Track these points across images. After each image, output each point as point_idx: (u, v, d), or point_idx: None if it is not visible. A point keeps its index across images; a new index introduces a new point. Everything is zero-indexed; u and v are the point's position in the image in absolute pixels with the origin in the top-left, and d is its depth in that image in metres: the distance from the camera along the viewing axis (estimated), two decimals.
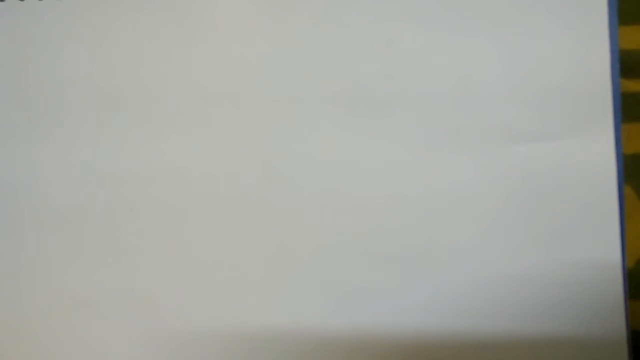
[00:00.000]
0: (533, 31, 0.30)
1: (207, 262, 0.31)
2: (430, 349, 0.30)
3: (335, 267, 0.31)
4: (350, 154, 0.31)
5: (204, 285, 0.31)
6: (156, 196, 0.31)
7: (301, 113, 0.31)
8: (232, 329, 0.31)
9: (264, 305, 0.31)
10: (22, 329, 0.31)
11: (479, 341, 0.30)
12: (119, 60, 0.31)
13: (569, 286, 0.30)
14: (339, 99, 0.31)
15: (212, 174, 0.31)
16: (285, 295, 0.31)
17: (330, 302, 0.30)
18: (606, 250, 0.30)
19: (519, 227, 0.30)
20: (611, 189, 0.30)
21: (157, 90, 0.31)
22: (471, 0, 0.30)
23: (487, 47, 0.30)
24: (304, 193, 0.31)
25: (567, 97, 0.30)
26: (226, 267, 0.31)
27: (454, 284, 0.30)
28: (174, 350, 0.31)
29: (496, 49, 0.30)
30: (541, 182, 0.30)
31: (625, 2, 0.30)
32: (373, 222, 0.30)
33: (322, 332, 0.30)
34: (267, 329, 0.31)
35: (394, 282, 0.30)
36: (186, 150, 0.31)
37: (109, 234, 0.31)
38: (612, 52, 0.30)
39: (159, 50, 0.31)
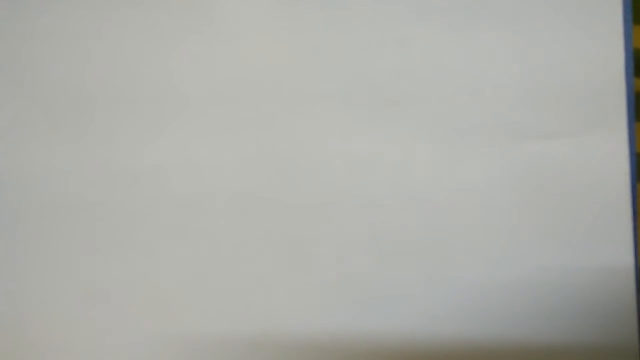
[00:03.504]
0: (547, 30, 0.30)
1: (218, 257, 0.31)
2: (438, 353, 0.30)
3: (346, 264, 0.30)
4: (363, 151, 0.31)
5: (215, 280, 0.31)
6: (168, 191, 0.31)
7: (312, 110, 0.31)
8: (241, 324, 0.31)
9: (275, 301, 0.31)
10: (33, 321, 0.31)
11: (486, 344, 0.30)
12: (132, 56, 0.31)
13: (580, 287, 0.30)
14: (350, 97, 0.31)
15: (224, 170, 0.31)
16: (296, 292, 0.31)
17: (341, 301, 0.30)
18: (619, 252, 0.30)
19: (531, 226, 0.30)
20: (624, 187, 0.30)
21: (169, 86, 0.31)
22: None
23: (500, 45, 0.30)
24: (315, 190, 0.31)
25: (580, 96, 0.30)
26: (237, 263, 0.31)
27: (464, 286, 0.30)
28: (183, 344, 0.31)
29: (509, 47, 0.30)
30: (554, 180, 0.30)
31: None
32: (384, 221, 0.30)
33: (332, 331, 0.30)
34: (276, 326, 0.31)
35: (402, 282, 0.30)
36: (198, 146, 0.31)
37: (121, 228, 0.31)
38: (626, 51, 0.30)
39: (171, 46, 0.31)
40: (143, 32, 0.31)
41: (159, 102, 0.31)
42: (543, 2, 0.30)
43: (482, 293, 0.30)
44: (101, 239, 0.31)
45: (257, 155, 0.31)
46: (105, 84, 0.31)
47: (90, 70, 0.31)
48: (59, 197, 0.31)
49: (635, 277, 0.30)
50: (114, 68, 0.31)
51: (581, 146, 0.30)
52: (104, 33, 0.31)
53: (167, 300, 0.31)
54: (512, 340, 0.30)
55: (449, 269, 0.30)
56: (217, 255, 0.31)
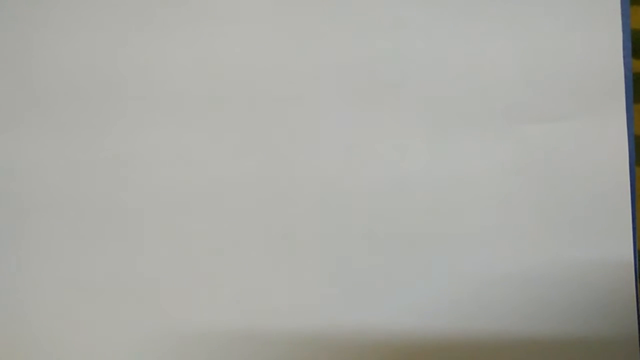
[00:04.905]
0: (545, 12, 0.30)
1: (210, 250, 0.30)
2: (436, 346, 0.30)
3: (342, 256, 0.30)
4: (358, 138, 0.30)
5: (207, 273, 0.30)
6: (160, 185, 0.31)
7: (308, 95, 0.31)
8: (234, 317, 0.30)
9: (268, 294, 0.30)
10: (26, 318, 0.30)
11: (483, 337, 0.30)
12: (122, 47, 0.31)
13: (579, 278, 0.30)
14: (347, 81, 0.30)
15: (216, 163, 0.31)
16: (291, 285, 0.30)
17: (337, 294, 0.30)
18: (618, 242, 0.29)
19: (529, 210, 0.30)
20: (623, 170, 0.29)
21: (160, 78, 0.31)
22: None
23: (499, 28, 0.30)
24: (310, 178, 0.30)
25: (578, 78, 0.30)
26: (230, 255, 0.30)
27: (461, 278, 0.30)
28: (176, 339, 0.30)
29: (507, 30, 0.30)
30: (552, 163, 0.30)
31: None
32: (381, 211, 0.30)
33: (328, 325, 0.30)
34: (270, 319, 0.30)
35: (400, 274, 0.30)
36: (189, 138, 0.31)
37: (112, 222, 0.30)
38: (624, 32, 0.30)
39: (163, 38, 0.31)
40: (134, 24, 0.31)
41: (150, 96, 0.31)
42: None
43: (479, 284, 0.30)
44: (90, 232, 0.31)
45: (250, 145, 0.31)
46: (96, 77, 0.31)
47: (81, 64, 0.31)
48: (46, 191, 0.31)
49: (635, 267, 0.29)
50: (105, 62, 0.31)
51: (580, 129, 0.30)
52: (95, 26, 0.31)
53: (156, 293, 0.30)
54: (509, 333, 0.30)
55: (447, 260, 0.30)
56: (209, 249, 0.30)
